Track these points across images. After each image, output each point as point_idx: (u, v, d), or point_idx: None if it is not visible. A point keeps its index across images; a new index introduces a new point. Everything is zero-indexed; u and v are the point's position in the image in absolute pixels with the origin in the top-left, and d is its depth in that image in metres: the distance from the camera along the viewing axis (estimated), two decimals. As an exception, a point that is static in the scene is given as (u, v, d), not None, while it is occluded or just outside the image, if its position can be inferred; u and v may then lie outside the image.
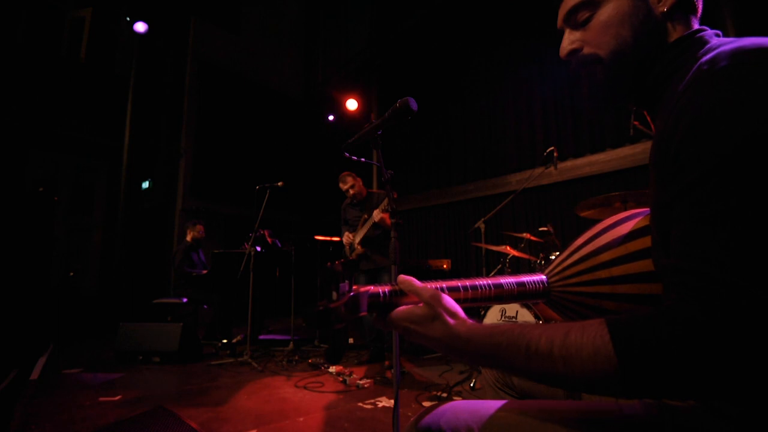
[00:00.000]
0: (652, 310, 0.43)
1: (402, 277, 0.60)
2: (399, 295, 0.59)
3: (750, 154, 0.41)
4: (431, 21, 5.86)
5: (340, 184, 3.49)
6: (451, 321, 0.55)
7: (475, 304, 0.65)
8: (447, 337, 0.54)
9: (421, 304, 0.57)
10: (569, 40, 0.65)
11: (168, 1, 6.43)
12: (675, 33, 0.58)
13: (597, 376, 0.44)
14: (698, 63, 0.50)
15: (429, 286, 0.60)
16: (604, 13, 0.60)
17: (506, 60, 4.98)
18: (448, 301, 0.57)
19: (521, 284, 0.68)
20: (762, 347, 0.37)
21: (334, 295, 0.55)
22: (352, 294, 0.56)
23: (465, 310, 0.59)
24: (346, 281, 0.56)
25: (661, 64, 0.58)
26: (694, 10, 0.59)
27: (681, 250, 0.44)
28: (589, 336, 0.45)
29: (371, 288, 0.59)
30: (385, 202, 3.02)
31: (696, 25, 0.59)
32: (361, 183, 3.52)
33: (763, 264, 0.38)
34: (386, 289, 0.60)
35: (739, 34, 0.54)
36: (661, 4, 0.58)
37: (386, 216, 3.01)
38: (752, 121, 0.41)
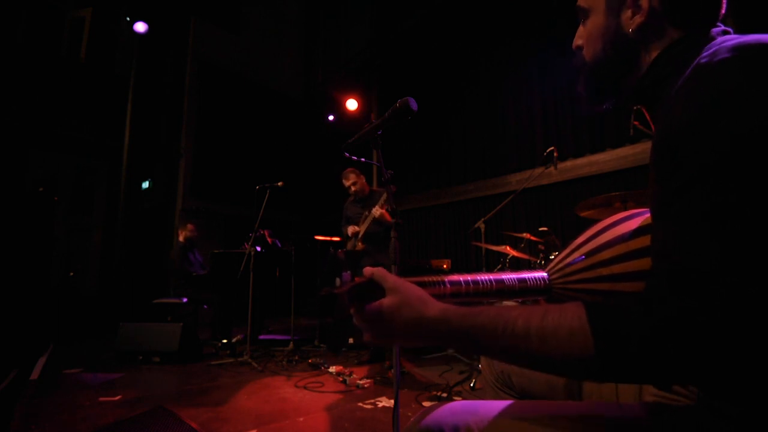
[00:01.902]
0: (641, 303, 0.43)
1: (368, 268, 0.59)
2: (375, 286, 0.57)
3: (750, 150, 0.41)
4: (431, 21, 5.87)
5: (343, 180, 3.50)
6: (419, 305, 0.54)
7: (476, 298, 0.65)
8: (418, 321, 0.53)
9: (389, 295, 0.56)
10: (578, 35, 0.69)
11: (168, 1, 6.43)
12: (651, 50, 0.60)
13: (573, 358, 0.44)
14: (698, 58, 0.50)
15: (430, 281, 0.60)
16: (590, 23, 0.66)
17: (506, 60, 4.98)
18: (415, 288, 0.56)
19: (522, 280, 0.68)
20: (760, 346, 0.37)
21: (338, 281, 0.56)
22: (356, 283, 0.56)
23: (465, 305, 0.58)
24: (348, 271, 0.57)
25: (660, 64, 0.58)
26: (676, 21, 0.58)
27: (680, 248, 0.43)
28: (567, 317, 0.45)
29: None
30: (384, 198, 3.03)
31: (676, 34, 0.59)
32: (363, 180, 3.53)
33: (763, 262, 0.38)
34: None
35: (739, 33, 0.55)
36: (631, 23, 0.60)
37: (386, 212, 3.02)
38: (752, 116, 0.41)
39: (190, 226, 4.62)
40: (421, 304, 0.54)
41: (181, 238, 4.57)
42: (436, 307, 0.53)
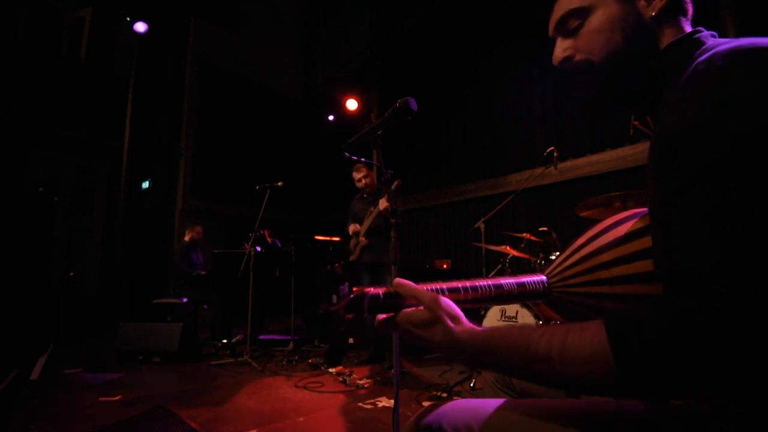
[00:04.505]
0: (651, 309, 0.43)
1: (398, 280, 0.60)
2: (398, 297, 0.59)
3: (748, 151, 0.41)
4: (431, 21, 5.87)
5: (354, 173, 3.52)
6: (452, 325, 0.55)
7: (476, 304, 0.65)
8: (448, 341, 0.55)
9: (421, 308, 0.57)
10: (561, 48, 0.65)
11: (168, 1, 6.43)
12: (666, 36, 0.59)
13: (595, 378, 0.44)
14: (695, 63, 0.50)
15: (428, 289, 0.60)
16: (595, 20, 0.61)
17: (506, 60, 4.98)
18: (449, 304, 0.57)
19: (521, 285, 0.68)
20: (761, 347, 0.37)
21: (334, 298, 0.56)
22: (352, 297, 0.56)
23: (464, 311, 0.59)
24: (346, 283, 0.57)
25: (658, 66, 0.58)
26: (684, 12, 0.60)
27: (680, 248, 0.44)
28: (587, 337, 0.45)
29: (371, 290, 0.58)
30: (386, 196, 3.04)
31: (687, 27, 0.60)
32: (374, 177, 3.56)
33: (763, 263, 0.38)
34: (385, 291, 0.59)
35: (739, 33, 0.55)
36: (650, 8, 0.58)
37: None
38: (752, 117, 0.42)
39: (198, 228, 4.66)
40: (452, 322, 0.56)
41: (186, 238, 4.60)
42: (465, 330, 0.55)
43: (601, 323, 0.45)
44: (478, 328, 0.55)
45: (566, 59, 0.65)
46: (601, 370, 0.43)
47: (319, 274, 4.57)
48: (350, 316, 0.56)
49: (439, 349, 0.56)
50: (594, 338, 0.44)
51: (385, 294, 0.59)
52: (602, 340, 0.44)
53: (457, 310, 0.58)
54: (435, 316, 0.56)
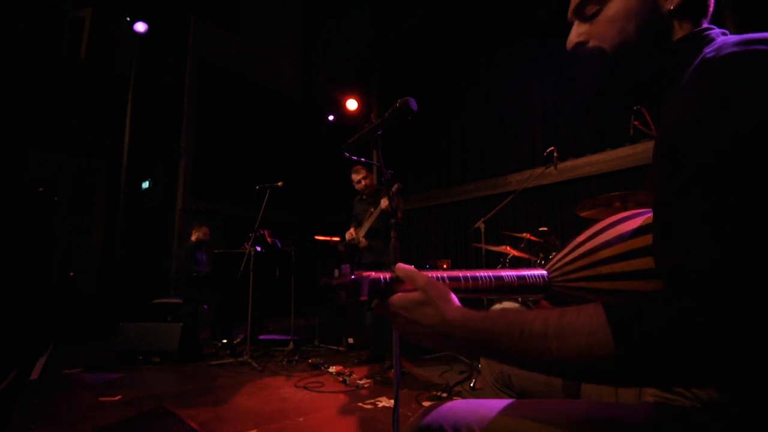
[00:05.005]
0: (651, 302, 0.43)
1: (400, 265, 0.60)
2: (398, 282, 0.59)
3: (749, 151, 0.41)
4: (431, 21, 5.87)
5: (353, 175, 3.53)
6: (444, 306, 0.55)
7: (476, 295, 0.65)
8: (440, 324, 0.54)
9: (416, 291, 0.57)
10: (576, 32, 0.65)
11: (168, 1, 6.43)
12: (681, 31, 0.58)
13: (593, 358, 0.43)
14: (701, 55, 0.50)
15: (426, 274, 0.60)
16: (612, 7, 0.60)
17: (506, 60, 4.98)
18: (442, 287, 0.57)
19: (522, 278, 0.68)
20: (761, 347, 0.38)
21: (336, 272, 0.56)
22: (353, 278, 0.56)
23: (465, 302, 0.58)
24: (347, 264, 0.57)
25: (666, 61, 0.58)
26: (704, 11, 0.59)
27: (680, 248, 0.44)
28: (585, 317, 0.45)
29: (372, 273, 0.59)
30: (387, 198, 3.05)
31: (705, 25, 0.59)
32: (373, 178, 3.58)
33: (763, 263, 0.38)
34: (386, 275, 0.60)
35: (739, 33, 0.55)
36: (668, 2, 0.57)
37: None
38: (753, 116, 0.41)
39: (204, 229, 4.76)
40: (445, 304, 0.55)
41: (193, 238, 4.67)
42: (458, 312, 0.54)
43: (598, 304, 0.45)
44: (471, 310, 0.54)
45: (579, 44, 0.64)
46: (600, 349, 0.43)
47: (319, 274, 4.57)
48: (350, 297, 0.56)
49: (431, 335, 0.55)
50: (592, 318, 0.44)
51: (386, 278, 0.59)
52: (601, 319, 0.43)
53: (450, 294, 0.57)
54: (427, 298, 0.55)
